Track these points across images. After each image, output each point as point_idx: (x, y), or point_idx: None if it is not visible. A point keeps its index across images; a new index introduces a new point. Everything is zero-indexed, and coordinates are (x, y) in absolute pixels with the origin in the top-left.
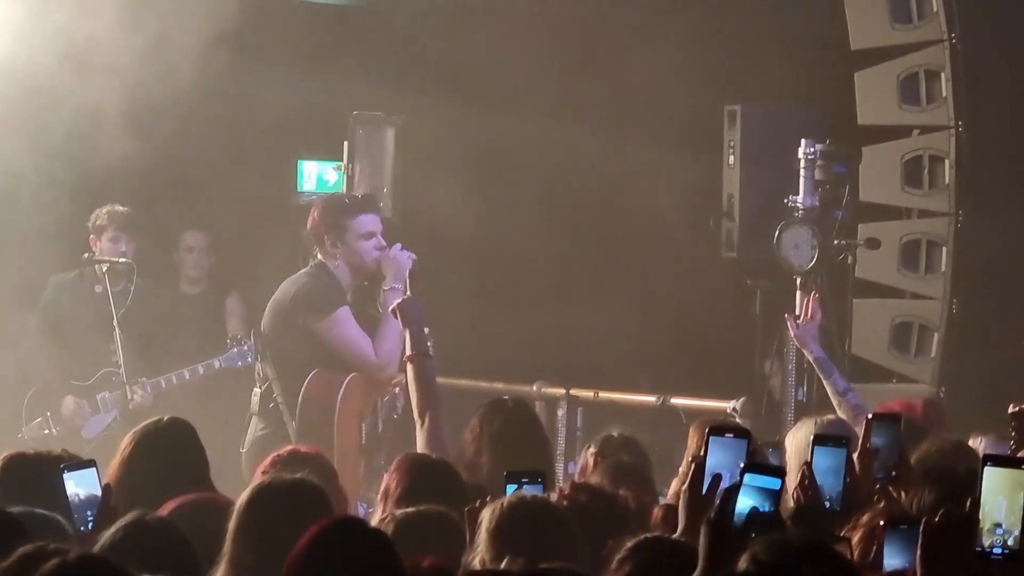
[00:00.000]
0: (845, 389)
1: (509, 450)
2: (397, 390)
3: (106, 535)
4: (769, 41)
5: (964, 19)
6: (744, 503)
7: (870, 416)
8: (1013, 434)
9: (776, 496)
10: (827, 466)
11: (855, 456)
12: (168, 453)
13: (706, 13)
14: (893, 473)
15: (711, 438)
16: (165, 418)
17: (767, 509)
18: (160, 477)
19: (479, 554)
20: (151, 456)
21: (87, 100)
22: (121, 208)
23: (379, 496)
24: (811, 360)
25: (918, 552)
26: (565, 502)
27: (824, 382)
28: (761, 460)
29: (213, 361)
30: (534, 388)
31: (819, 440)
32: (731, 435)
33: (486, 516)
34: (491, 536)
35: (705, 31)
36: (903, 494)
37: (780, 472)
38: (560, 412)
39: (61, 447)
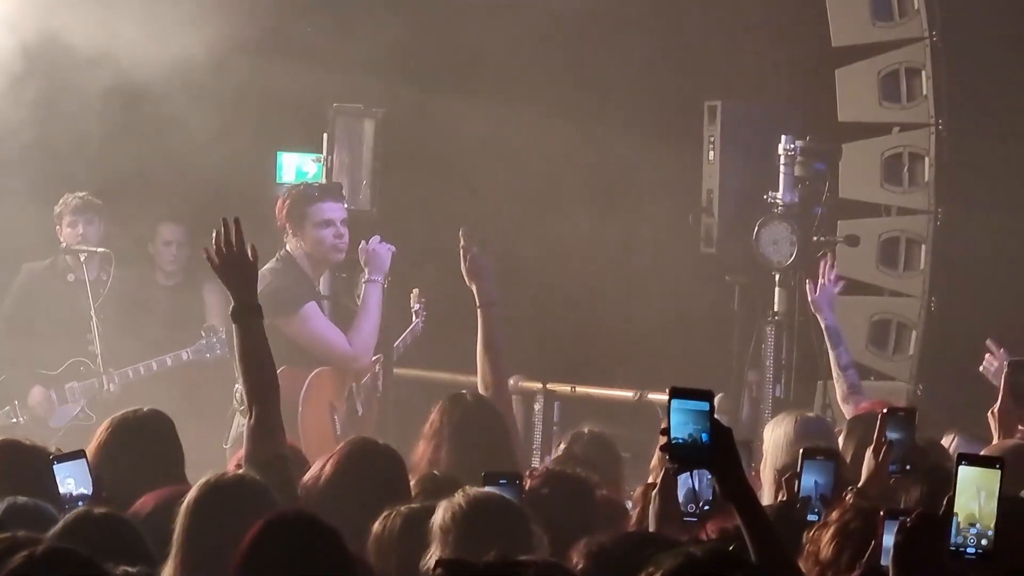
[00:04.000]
0: (847, 364)
1: (469, 442)
2: (377, 368)
3: (53, 530)
4: (750, 37)
5: (945, 17)
6: (680, 427)
7: (885, 411)
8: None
9: (707, 417)
10: (817, 478)
11: (869, 450)
12: (146, 444)
13: (688, 7)
14: (907, 467)
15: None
16: (145, 408)
17: (699, 430)
18: (136, 467)
19: (434, 553)
20: (128, 445)
21: (64, 88)
22: (79, 194)
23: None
24: (823, 327)
25: (891, 554)
26: (531, 483)
27: (830, 353)
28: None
29: (181, 352)
30: (511, 382)
31: (808, 454)
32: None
33: (442, 515)
34: (446, 535)
35: (686, 26)
36: (909, 489)
37: (708, 396)
38: (537, 406)
39: (28, 436)
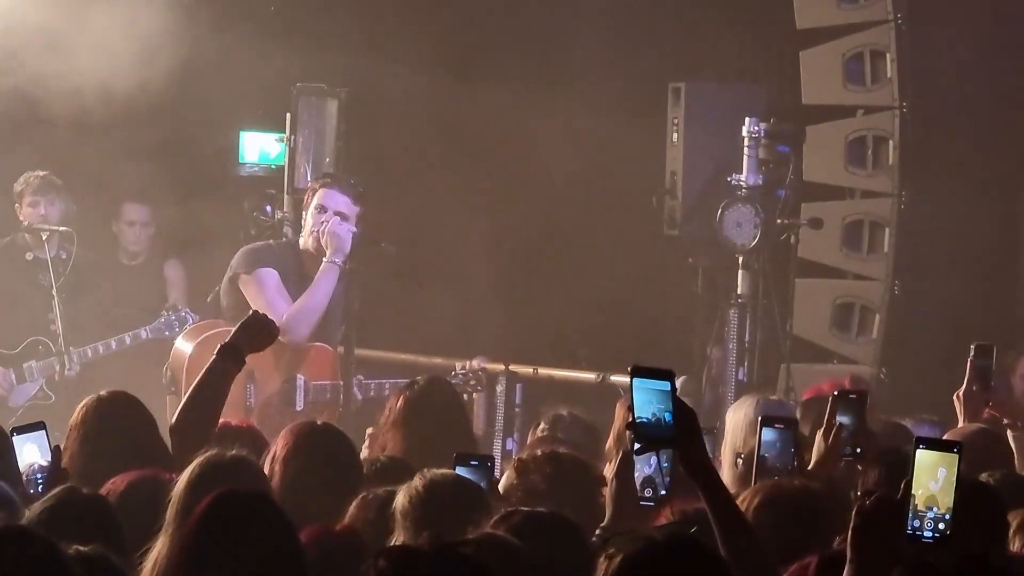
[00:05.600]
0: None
1: (417, 426)
2: (362, 387)
3: (35, 509)
4: (715, 19)
5: (910, 0)
6: (643, 407)
7: (836, 394)
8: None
9: (670, 396)
10: (775, 444)
11: (819, 433)
12: (124, 427)
13: None
14: (858, 450)
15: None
16: (107, 391)
17: (663, 409)
18: (117, 451)
19: (397, 538)
20: (107, 429)
21: (27, 67)
22: (40, 172)
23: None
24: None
25: (849, 535)
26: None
27: None
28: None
29: (140, 331)
30: (475, 363)
31: (767, 422)
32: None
33: (401, 500)
34: (405, 519)
35: (651, 6)
36: (866, 471)
37: (668, 375)
38: (499, 388)
39: None
